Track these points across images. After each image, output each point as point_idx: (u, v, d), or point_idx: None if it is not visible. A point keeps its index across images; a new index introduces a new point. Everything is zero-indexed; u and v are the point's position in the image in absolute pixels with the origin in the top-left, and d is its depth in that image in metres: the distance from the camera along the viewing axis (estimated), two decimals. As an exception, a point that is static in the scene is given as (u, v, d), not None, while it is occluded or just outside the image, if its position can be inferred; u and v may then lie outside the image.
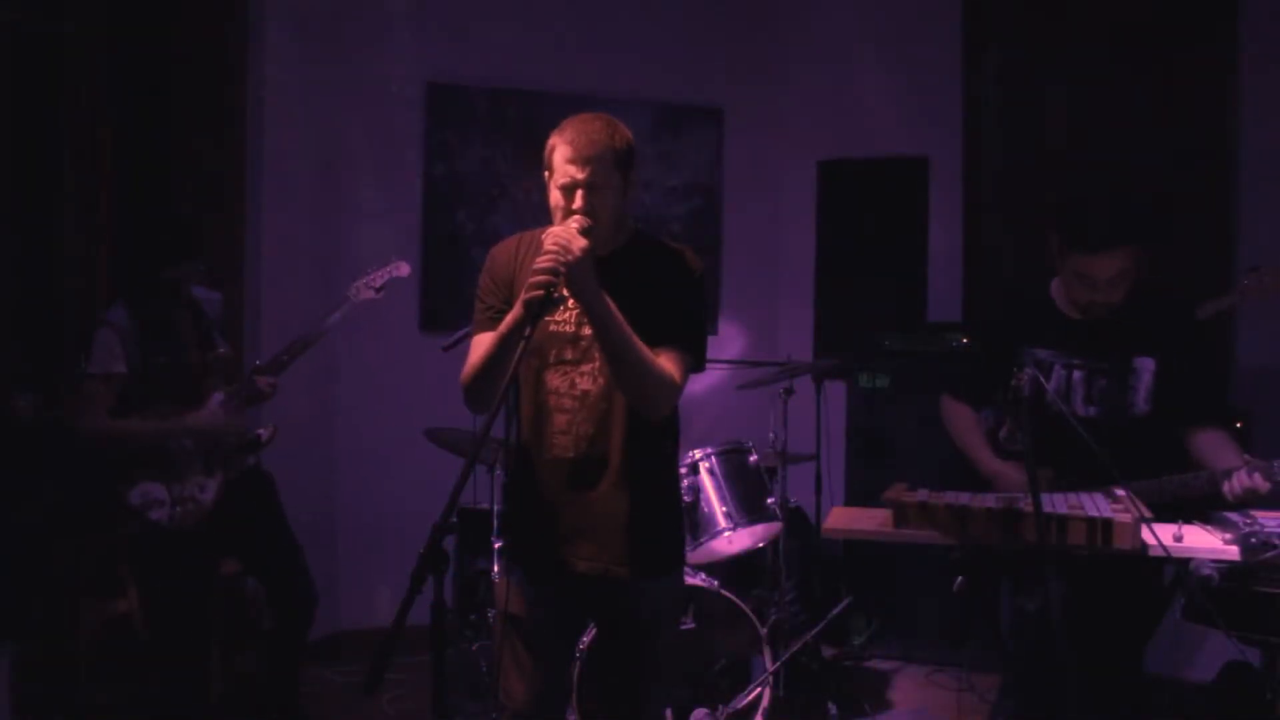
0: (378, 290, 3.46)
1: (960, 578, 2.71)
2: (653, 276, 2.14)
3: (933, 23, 4.86)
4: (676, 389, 2.11)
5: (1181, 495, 2.52)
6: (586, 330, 2.09)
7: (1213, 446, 2.60)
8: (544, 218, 2.17)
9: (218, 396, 3.22)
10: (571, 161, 2.05)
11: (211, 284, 3.43)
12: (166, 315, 3.20)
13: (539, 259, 1.96)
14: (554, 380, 2.15)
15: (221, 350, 3.33)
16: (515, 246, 2.21)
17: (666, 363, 2.07)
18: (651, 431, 2.14)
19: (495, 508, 3.53)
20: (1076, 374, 2.71)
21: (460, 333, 3.32)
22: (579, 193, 2.06)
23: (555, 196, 2.10)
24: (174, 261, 3.16)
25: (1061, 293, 2.75)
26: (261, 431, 3.36)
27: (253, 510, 3.35)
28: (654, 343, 2.06)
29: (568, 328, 2.14)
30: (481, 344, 2.13)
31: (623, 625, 2.22)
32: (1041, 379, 2.20)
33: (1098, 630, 2.59)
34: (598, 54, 4.81)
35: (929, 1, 4.90)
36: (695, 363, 2.16)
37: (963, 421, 2.90)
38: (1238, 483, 2.44)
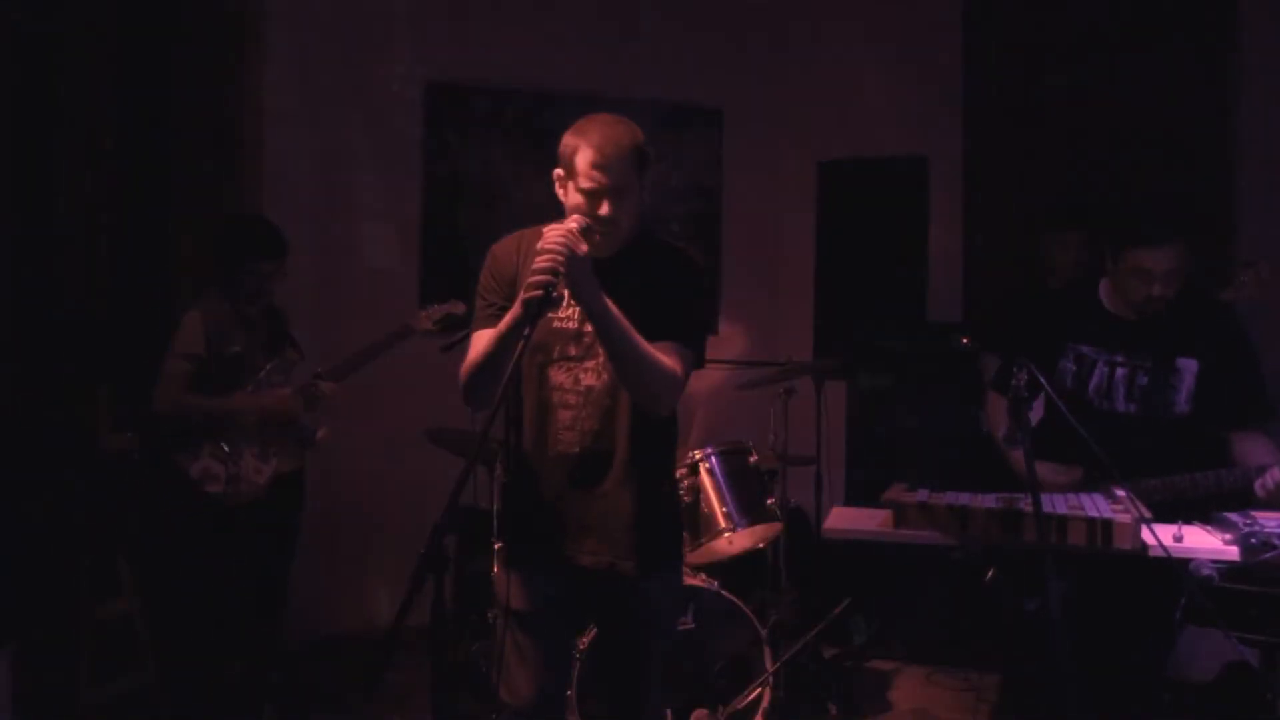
0: (435, 323, 3.64)
1: (991, 570, 2.70)
2: (655, 275, 2.14)
3: (933, 23, 4.87)
4: (679, 383, 2.11)
5: (1214, 491, 2.54)
6: (589, 326, 2.09)
7: (1251, 447, 2.63)
8: (544, 217, 2.16)
9: (283, 392, 3.36)
10: (597, 166, 2.03)
11: None
12: (244, 309, 3.33)
13: (538, 259, 1.95)
14: (558, 376, 2.15)
15: (288, 348, 3.46)
16: (516, 244, 2.20)
17: (668, 357, 2.07)
18: (654, 427, 2.15)
19: (495, 508, 3.53)
20: (1119, 371, 2.72)
21: (460, 333, 3.33)
22: (606, 199, 2.05)
23: (576, 199, 2.07)
24: (262, 259, 3.31)
25: (1110, 292, 2.76)
26: (320, 431, 3.47)
27: (286, 513, 3.45)
28: (655, 338, 2.06)
29: (570, 324, 2.14)
30: (481, 340, 2.12)
31: (625, 621, 2.22)
32: (1041, 378, 2.19)
33: (1109, 632, 2.59)
34: (598, 54, 4.81)
35: (929, 2, 4.90)
36: (696, 359, 2.16)
37: (1002, 418, 2.90)
38: (1270, 479, 2.47)
